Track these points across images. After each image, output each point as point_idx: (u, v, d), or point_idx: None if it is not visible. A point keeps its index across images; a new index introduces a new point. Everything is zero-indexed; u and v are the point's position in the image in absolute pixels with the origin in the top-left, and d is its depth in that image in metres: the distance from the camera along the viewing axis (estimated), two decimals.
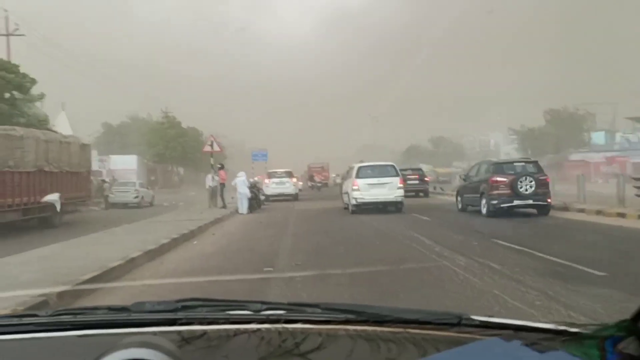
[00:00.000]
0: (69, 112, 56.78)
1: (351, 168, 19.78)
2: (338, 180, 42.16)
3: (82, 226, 16.46)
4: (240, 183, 19.80)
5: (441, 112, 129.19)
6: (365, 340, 1.19)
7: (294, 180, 29.85)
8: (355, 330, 1.25)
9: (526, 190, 15.12)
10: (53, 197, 16.58)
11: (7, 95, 22.61)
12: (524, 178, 15.15)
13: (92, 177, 27.25)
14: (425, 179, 29.42)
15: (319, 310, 1.39)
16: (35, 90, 25.47)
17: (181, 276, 7.84)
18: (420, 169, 30.80)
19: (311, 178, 44.02)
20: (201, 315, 1.36)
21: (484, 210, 15.75)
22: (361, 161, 22.28)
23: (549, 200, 15.42)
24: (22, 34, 31.27)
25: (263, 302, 1.42)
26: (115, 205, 26.90)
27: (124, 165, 47.51)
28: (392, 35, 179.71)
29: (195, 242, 11.68)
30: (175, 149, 52.09)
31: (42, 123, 23.97)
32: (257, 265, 8.24)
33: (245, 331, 1.24)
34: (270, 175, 29.09)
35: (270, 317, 1.33)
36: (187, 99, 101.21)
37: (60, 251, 9.76)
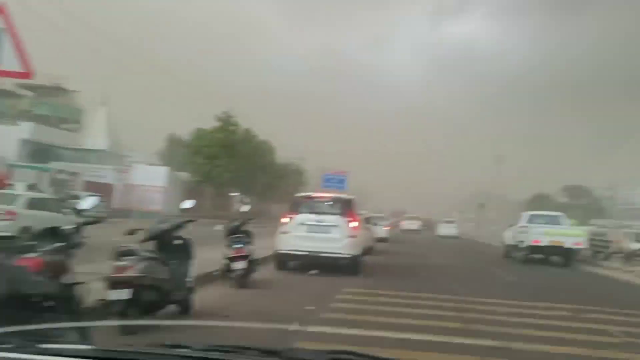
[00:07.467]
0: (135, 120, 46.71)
1: None
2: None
3: None
4: None
5: (579, 158, 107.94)
6: None
7: (355, 224, 12.98)
8: None
9: None
10: None
11: None
12: None
13: None
14: None
15: None
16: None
17: None
18: None
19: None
20: None
21: None
22: None
23: None
24: None
25: None
26: None
27: (150, 180, 35.17)
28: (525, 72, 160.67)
29: None
30: (221, 164, 38.41)
31: None
32: None
33: None
34: (296, 206, 13.55)
35: None
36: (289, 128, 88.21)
37: None
